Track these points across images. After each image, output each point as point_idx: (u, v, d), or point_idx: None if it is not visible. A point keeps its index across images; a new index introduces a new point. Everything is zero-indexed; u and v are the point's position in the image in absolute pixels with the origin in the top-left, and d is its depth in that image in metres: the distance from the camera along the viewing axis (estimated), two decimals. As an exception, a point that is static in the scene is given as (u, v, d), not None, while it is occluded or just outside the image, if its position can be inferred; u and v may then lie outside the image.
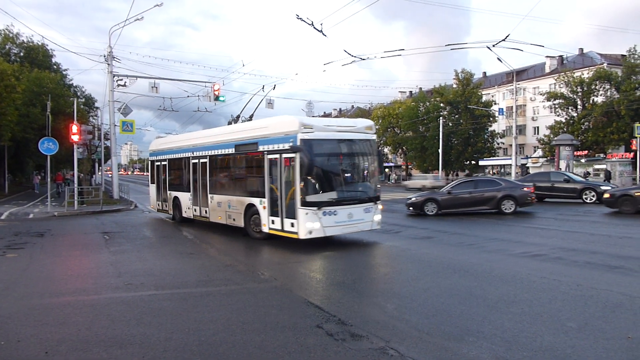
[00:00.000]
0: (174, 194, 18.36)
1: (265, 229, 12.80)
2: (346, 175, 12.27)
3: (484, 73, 74.94)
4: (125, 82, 29.47)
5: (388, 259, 11.02)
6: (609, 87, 48.64)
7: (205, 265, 10.06)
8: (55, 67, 47.14)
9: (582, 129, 47.47)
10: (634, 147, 36.72)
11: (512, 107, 55.24)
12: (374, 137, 13.00)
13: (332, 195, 11.73)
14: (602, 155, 46.39)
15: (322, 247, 11.91)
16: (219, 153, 15.36)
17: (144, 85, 30.41)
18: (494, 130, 59.74)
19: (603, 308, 6.31)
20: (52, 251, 12.39)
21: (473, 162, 59.92)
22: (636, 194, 17.68)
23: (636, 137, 34.06)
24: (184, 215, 17.58)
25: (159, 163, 19.73)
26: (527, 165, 53.25)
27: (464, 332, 5.47)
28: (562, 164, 36.29)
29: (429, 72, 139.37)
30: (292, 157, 11.60)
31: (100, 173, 48.18)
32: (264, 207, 12.76)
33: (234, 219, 14.33)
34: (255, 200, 13.19)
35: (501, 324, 5.74)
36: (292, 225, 11.68)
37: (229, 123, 21.34)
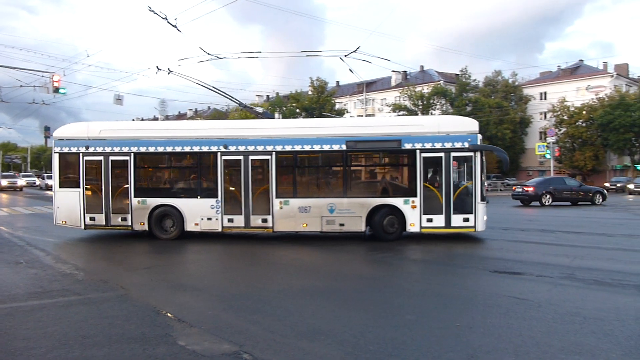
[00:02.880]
0: (163, 201, 13.48)
1: (413, 229, 12.70)
2: None
3: (338, 82, 78.70)
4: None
5: (247, 260, 10.97)
6: (445, 101, 54.43)
7: (39, 275, 9.00)
8: None
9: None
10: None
11: (362, 116, 58.91)
12: None
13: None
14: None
15: (180, 253, 11.43)
16: (307, 150, 13.10)
17: (-36, 71, 26.39)
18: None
19: (437, 301, 6.99)
20: None
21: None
22: None
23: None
24: (189, 229, 13.36)
25: (98, 158, 13.68)
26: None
27: (317, 332, 5.64)
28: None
29: (286, 78, 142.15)
30: (468, 157, 12.59)
31: None
32: (413, 207, 12.70)
33: (341, 225, 12.88)
34: (396, 200, 12.84)
35: (350, 321, 6.03)
36: (466, 220, 12.55)
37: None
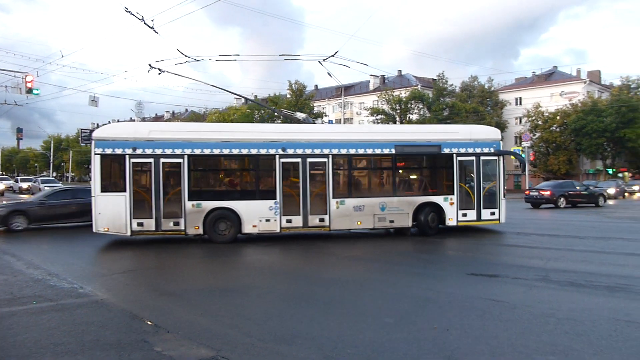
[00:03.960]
0: (219, 204, 13.30)
1: (451, 223, 14.52)
2: None
3: (316, 86, 79.01)
4: None
5: (231, 265, 10.87)
6: (422, 106, 54.96)
7: (9, 281, 8.76)
8: None
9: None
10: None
11: (340, 119, 59.09)
12: None
13: None
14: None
15: (161, 257, 11.27)
16: (360, 153, 14.25)
17: None
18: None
19: (414, 304, 7.03)
20: None
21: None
22: None
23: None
24: (246, 231, 13.37)
25: (147, 160, 13.03)
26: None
27: (295, 335, 5.62)
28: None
29: (264, 81, 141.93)
30: (494, 160, 15.00)
31: None
32: (452, 203, 14.57)
33: (391, 221, 14.20)
34: (437, 198, 14.54)
35: (328, 325, 6.03)
36: (493, 214, 14.87)
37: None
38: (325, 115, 64.55)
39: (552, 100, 55.65)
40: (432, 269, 9.76)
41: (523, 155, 43.98)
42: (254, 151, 13.51)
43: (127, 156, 12.85)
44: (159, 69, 15.61)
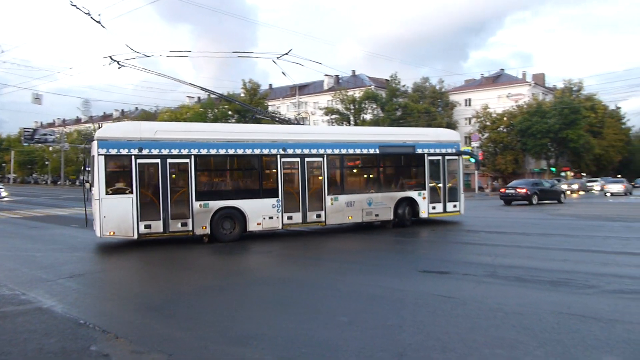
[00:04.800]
0: (225, 203, 13.43)
1: (424, 215, 16.41)
2: None
3: (270, 85, 78.54)
4: None
5: (184, 266, 10.64)
6: (375, 106, 55.67)
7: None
8: None
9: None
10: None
11: (296, 118, 58.85)
12: None
13: None
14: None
15: (104, 260, 10.90)
16: (351, 153, 15.37)
17: None
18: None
19: (368, 301, 7.12)
20: None
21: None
22: None
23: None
24: (251, 229, 13.70)
25: (154, 161, 12.74)
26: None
27: (249, 336, 5.57)
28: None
29: (217, 80, 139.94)
30: (455, 159, 17.20)
31: None
32: (424, 198, 16.41)
33: (376, 215, 15.60)
34: (412, 193, 16.33)
35: (282, 325, 6.01)
36: (455, 206, 17.12)
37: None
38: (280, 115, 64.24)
39: (499, 101, 57.69)
40: (386, 267, 9.90)
41: (477, 157, 45.64)
42: (257, 151, 13.92)
43: (133, 157, 12.47)
44: (118, 62, 14.68)
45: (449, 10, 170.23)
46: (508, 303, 6.78)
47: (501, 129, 54.86)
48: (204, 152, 13.28)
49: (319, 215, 14.60)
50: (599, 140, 59.76)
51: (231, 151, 13.71)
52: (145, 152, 12.60)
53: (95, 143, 12.44)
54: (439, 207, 16.73)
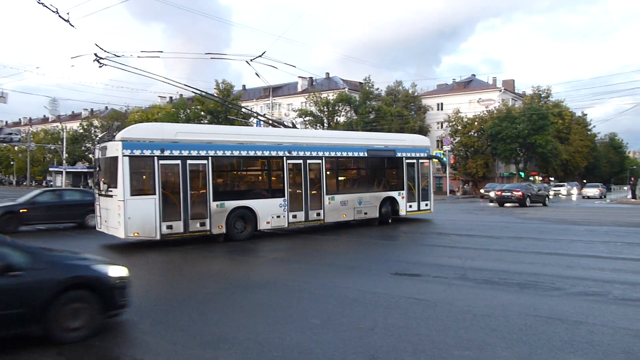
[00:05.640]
0: (240, 203, 13.89)
1: (402, 213, 18.07)
2: None
3: (244, 86, 77.90)
4: None
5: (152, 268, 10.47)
6: (349, 109, 55.95)
7: None
8: None
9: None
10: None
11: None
12: None
13: None
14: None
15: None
16: (344, 156, 16.67)
17: None
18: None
19: (341, 304, 7.14)
20: None
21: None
22: None
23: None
24: (261, 227, 14.40)
25: (175, 162, 12.82)
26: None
27: (221, 340, 5.53)
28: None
29: (190, 80, 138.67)
30: (427, 162, 19.21)
31: None
32: (403, 197, 18.06)
33: (365, 213, 16.86)
34: (394, 193, 17.87)
35: (254, 328, 5.98)
36: (427, 205, 19.06)
37: None
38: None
39: (470, 106, 58.69)
40: (361, 269, 9.96)
41: (445, 159, 46.40)
42: (266, 153, 14.65)
43: (155, 157, 12.45)
44: (99, 61, 13.82)
45: (422, 16, 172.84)
46: (477, 305, 6.91)
47: (472, 133, 55.78)
48: (220, 153, 13.67)
49: (318, 214, 15.61)
50: (565, 146, 61.43)
51: (244, 153, 14.24)
52: (167, 153, 12.66)
53: (119, 144, 12.21)
54: (415, 205, 18.43)
